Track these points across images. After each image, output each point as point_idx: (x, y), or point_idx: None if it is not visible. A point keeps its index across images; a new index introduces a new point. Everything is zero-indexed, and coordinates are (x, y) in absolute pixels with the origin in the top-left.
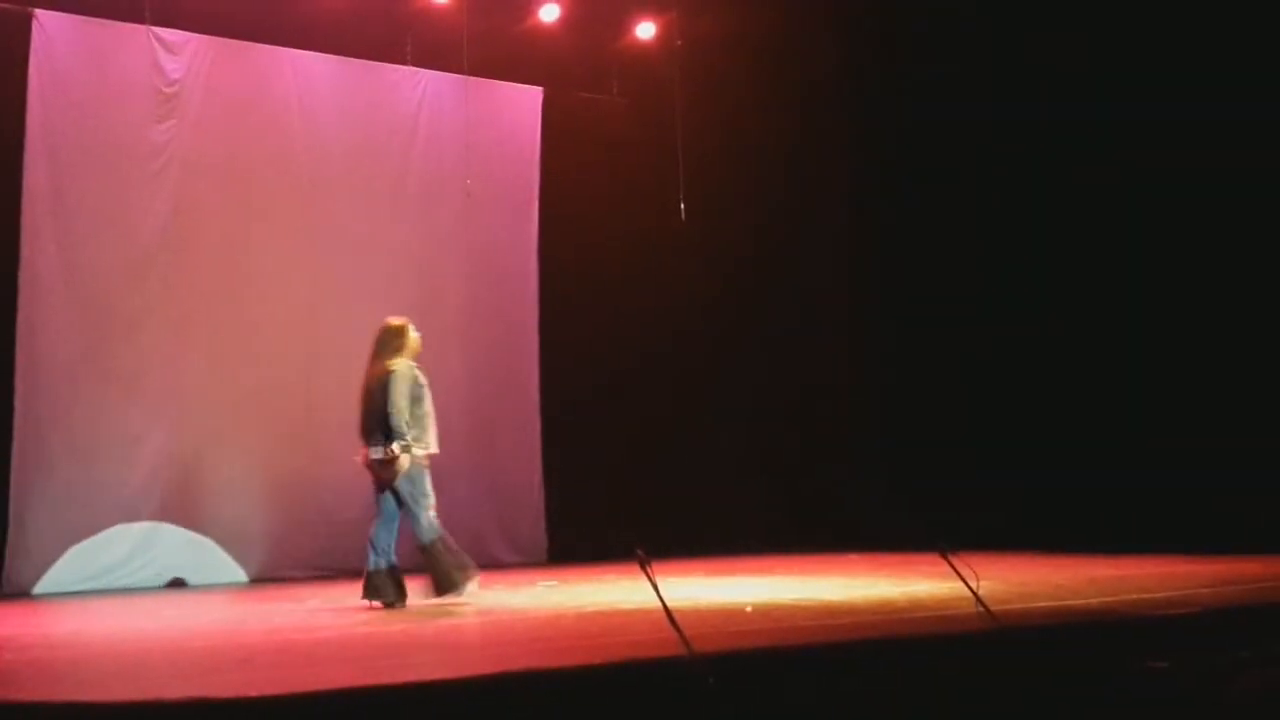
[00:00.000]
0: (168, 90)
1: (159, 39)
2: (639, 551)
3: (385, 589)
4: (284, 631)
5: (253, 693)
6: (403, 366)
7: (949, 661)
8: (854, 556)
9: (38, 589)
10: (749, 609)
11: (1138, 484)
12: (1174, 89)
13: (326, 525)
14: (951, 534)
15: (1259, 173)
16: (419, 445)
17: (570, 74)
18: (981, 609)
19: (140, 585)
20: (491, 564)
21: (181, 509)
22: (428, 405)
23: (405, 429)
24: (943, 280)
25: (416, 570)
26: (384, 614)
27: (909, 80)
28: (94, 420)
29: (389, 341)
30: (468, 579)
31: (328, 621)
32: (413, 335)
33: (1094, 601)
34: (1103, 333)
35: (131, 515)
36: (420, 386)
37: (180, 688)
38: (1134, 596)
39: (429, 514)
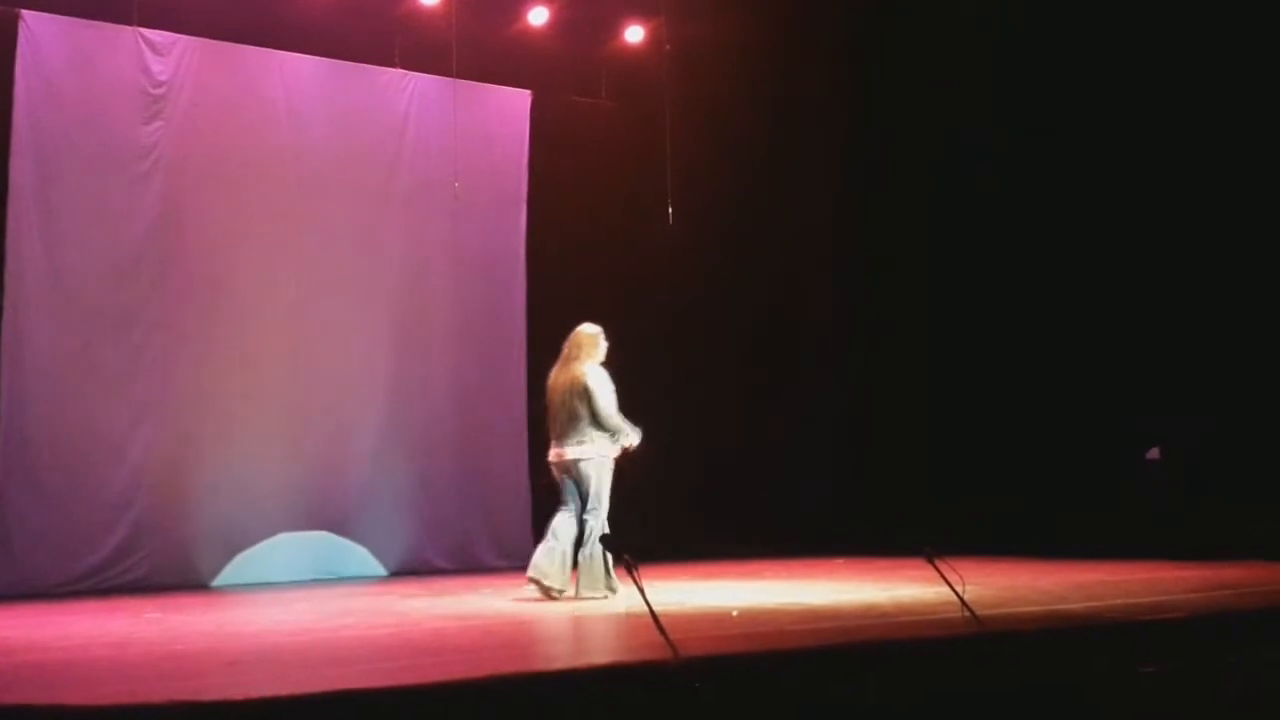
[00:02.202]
0: (155, 91)
1: (146, 40)
2: (625, 555)
3: (553, 575)
4: (271, 634)
5: (238, 696)
6: (599, 369)
7: (935, 666)
8: (840, 561)
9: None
10: (735, 613)
11: (1122, 488)
12: (1169, 91)
13: (312, 525)
14: (937, 538)
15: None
16: (613, 443)
17: (559, 77)
18: (968, 613)
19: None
20: (477, 568)
21: (167, 510)
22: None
23: (624, 424)
24: (931, 284)
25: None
26: (378, 616)
27: (897, 85)
28: (80, 421)
29: (584, 346)
30: (609, 592)
31: (314, 624)
32: (604, 343)
33: (1080, 606)
34: (1090, 338)
35: (116, 516)
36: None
37: (165, 690)
38: (1121, 601)
39: (599, 515)
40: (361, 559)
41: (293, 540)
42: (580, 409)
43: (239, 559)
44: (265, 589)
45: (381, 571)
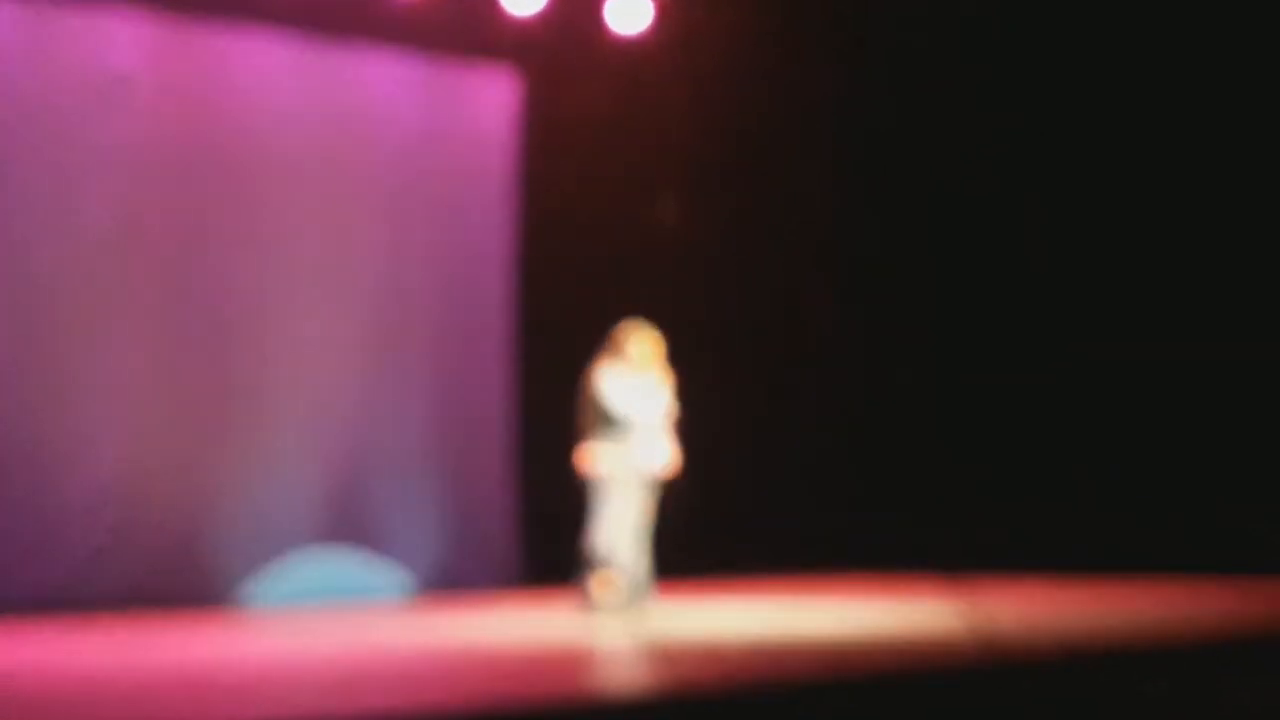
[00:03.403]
0: (117, 80)
1: (106, 25)
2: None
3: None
4: (241, 658)
5: None
6: (610, 372)
7: (943, 690)
8: (850, 577)
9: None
10: (734, 642)
11: (1135, 508)
12: (1159, 93)
13: (288, 537)
14: (947, 557)
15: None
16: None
17: (554, 68)
18: (977, 635)
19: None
20: (458, 584)
21: (133, 516)
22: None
23: (586, 435)
24: (933, 284)
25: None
26: (353, 637)
27: (898, 83)
28: (42, 426)
29: (610, 345)
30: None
31: (286, 646)
32: (638, 348)
33: (1090, 628)
34: (1100, 347)
35: (83, 522)
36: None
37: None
38: (1129, 623)
39: (596, 527)
40: (336, 575)
41: (267, 554)
42: (585, 411)
43: (211, 573)
44: (236, 607)
45: (355, 588)
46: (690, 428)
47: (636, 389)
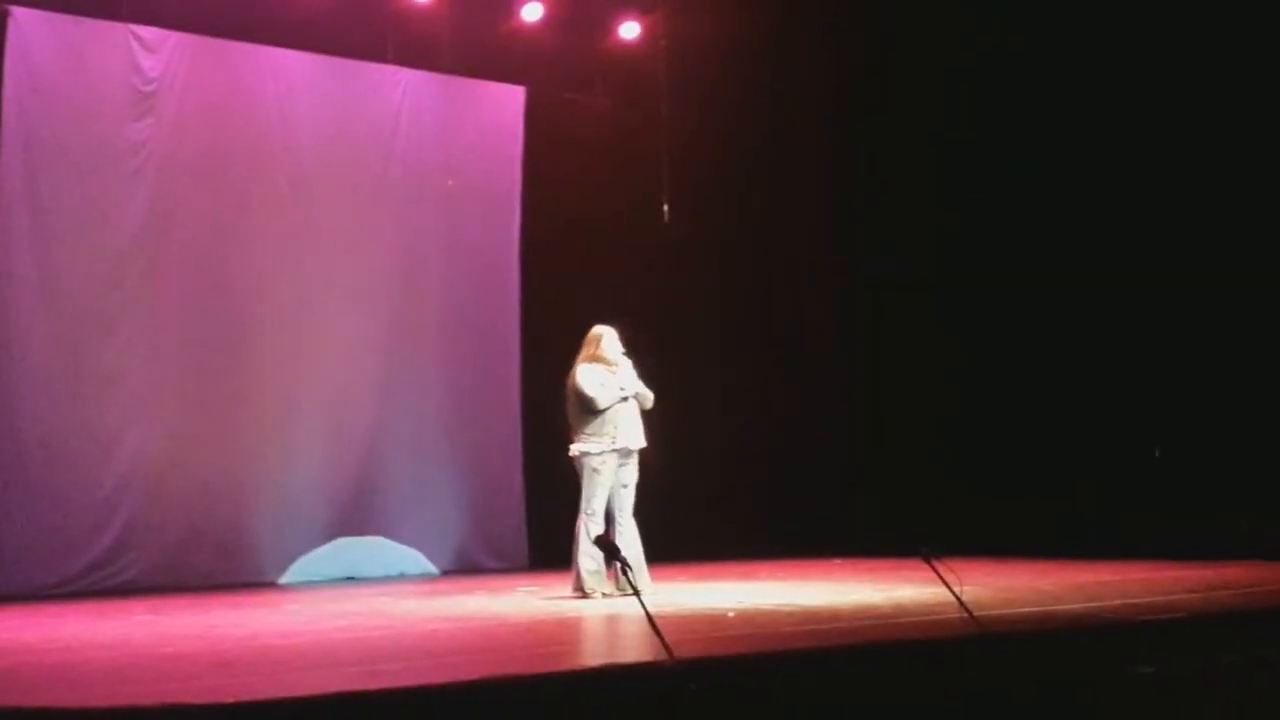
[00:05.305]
0: (145, 89)
1: (137, 37)
2: (619, 558)
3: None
4: (261, 636)
5: (229, 699)
6: (588, 367)
7: (933, 667)
8: (837, 562)
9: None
10: (731, 614)
11: (1123, 489)
12: (1155, 84)
13: (305, 527)
14: (935, 539)
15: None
16: (592, 442)
17: (554, 74)
18: (965, 615)
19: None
20: (471, 569)
21: (157, 510)
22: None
23: (573, 430)
24: (927, 281)
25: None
26: (370, 618)
27: (892, 81)
28: (69, 421)
29: (585, 344)
30: (595, 591)
31: (306, 625)
32: (606, 345)
33: (1078, 606)
34: (1091, 337)
35: (106, 517)
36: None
37: (157, 693)
38: (1118, 601)
39: (585, 515)
40: (355, 560)
41: (286, 541)
42: (568, 408)
43: (230, 559)
44: (257, 590)
45: (374, 573)
46: (689, 419)
47: (611, 381)
